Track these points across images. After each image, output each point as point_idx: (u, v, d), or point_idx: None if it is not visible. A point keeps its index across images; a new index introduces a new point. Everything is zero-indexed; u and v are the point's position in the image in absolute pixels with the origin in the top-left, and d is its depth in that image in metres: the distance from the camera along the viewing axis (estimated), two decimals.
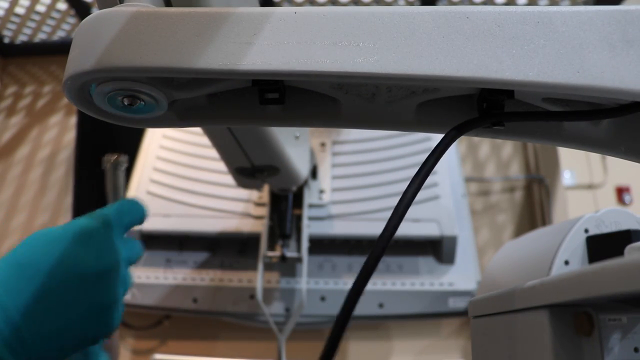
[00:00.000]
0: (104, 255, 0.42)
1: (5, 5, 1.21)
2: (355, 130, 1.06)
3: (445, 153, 1.19)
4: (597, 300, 0.27)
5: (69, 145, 1.37)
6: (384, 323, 1.10)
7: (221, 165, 0.69)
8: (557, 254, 0.56)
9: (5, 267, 0.40)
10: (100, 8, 0.35)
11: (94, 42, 0.33)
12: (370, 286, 0.98)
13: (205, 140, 0.70)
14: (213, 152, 0.70)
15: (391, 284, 0.98)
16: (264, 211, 0.95)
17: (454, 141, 0.33)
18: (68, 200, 1.31)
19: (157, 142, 1.11)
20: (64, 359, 0.41)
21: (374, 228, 0.98)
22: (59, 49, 1.37)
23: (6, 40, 1.38)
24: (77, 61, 0.33)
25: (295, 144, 0.78)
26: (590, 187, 1.20)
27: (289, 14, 0.33)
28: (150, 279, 0.98)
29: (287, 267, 0.98)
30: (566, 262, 0.56)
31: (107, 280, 0.42)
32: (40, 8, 1.23)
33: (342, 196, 1.01)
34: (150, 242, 1.00)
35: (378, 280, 0.98)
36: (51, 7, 1.23)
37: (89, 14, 0.34)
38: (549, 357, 0.30)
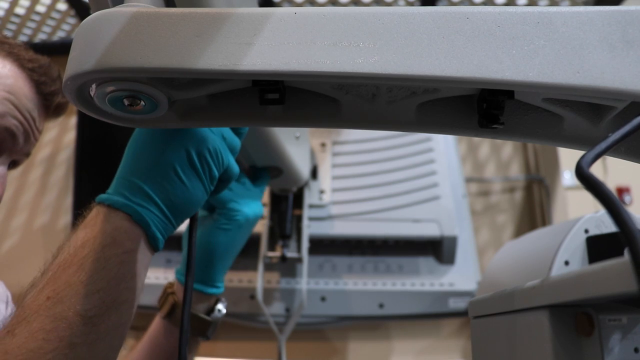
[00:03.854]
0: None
1: (5, 5, 1.21)
2: (356, 130, 1.06)
3: (444, 153, 1.18)
4: (597, 300, 0.27)
5: (69, 145, 1.37)
6: (384, 323, 1.10)
7: None
8: (557, 254, 0.56)
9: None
10: (94, 11, 0.36)
11: (94, 43, 0.33)
12: (370, 286, 0.98)
13: None
14: None
15: (391, 284, 0.98)
16: (264, 211, 0.95)
17: None
18: (68, 200, 1.31)
19: None
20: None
21: (375, 228, 0.98)
22: (59, 50, 1.37)
23: None
24: (78, 62, 0.33)
25: (296, 145, 0.78)
26: None
27: (289, 15, 0.33)
28: (150, 279, 0.98)
29: (288, 267, 0.98)
30: (566, 263, 0.56)
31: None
32: (40, 8, 1.23)
33: (343, 196, 1.01)
34: None
35: (378, 280, 0.98)
36: (51, 7, 1.23)
37: (89, 14, 0.34)
38: (549, 357, 0.31)
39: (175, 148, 0.46)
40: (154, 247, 0.47)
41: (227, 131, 0.51)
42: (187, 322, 0.49)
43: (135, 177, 0.46)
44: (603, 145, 0.30)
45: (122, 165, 0.48)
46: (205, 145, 0.47)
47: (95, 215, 0.45)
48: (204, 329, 0.66)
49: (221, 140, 0.50)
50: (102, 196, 0.46)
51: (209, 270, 0.65)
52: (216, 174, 0.49)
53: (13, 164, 0.65)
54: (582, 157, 0.29)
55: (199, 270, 0.65)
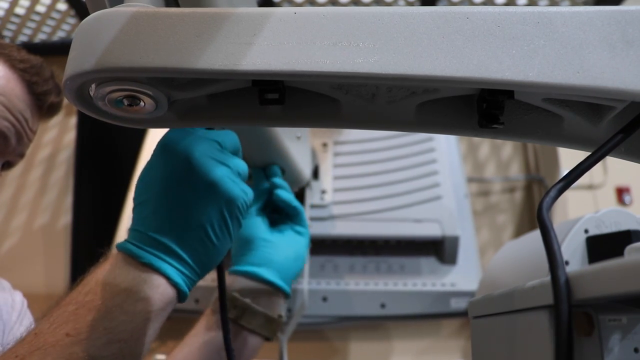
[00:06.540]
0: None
1: (5, 5, 1.21)
2: (357, 130, 1.06)
3: (445, 153, 1.18)
4: (596, 300, 0.27)
5: (69, 145, 1.37)
6: (385, 323, 1.10)
7: None
8: None
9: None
10: (92, 11, 0.36)
11: (94, 43, 0.33)
12: (372, 286, 0.97)
13: None
14: None
15: (393, 284, 0.98)
16: None
17: None
18: (68, 200, 1.30)
19: None
20: None
21: (376, 228, 0.98)
22: (59, 49, 1.37)
23: (6, 41, 1.38)
24: (77, 61, 0.33)
25: (298, 145, 0.78)
26: (590, 187, 1.20)
27: (288, 15, 0.33)
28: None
29: None
30: (566, 263, 0.56)
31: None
32: (40, 8, 1.23)
33: (344, 196, 1.01)
34: None
35: (380, 280, 0.98)
36: (51, 7, 1.23)
37: (89, 14, 0.34)
38: (549, 357, 0.30)
39: (206, 210, 0.45)
40: (179, 301, 0.48)
41: (240, 166, 0.49)
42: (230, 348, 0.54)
43: (165, 238, 0.45)
44: (563, 183, 0.33)
45: (144, 216, 0.46)
46: (235, 204, 0.47)
47: (125, 264, 0.44)
48: (274, 329, 0.66)
49: (244, 186, 0.49)
50: (133, 249, 0.45)
51: (291, 271, 0.66)
52: (242, 223, 0.49)
53: (7, 165, 0.65)
54: (544, 197, 0.32)
55: (283, 269, 0.65)
